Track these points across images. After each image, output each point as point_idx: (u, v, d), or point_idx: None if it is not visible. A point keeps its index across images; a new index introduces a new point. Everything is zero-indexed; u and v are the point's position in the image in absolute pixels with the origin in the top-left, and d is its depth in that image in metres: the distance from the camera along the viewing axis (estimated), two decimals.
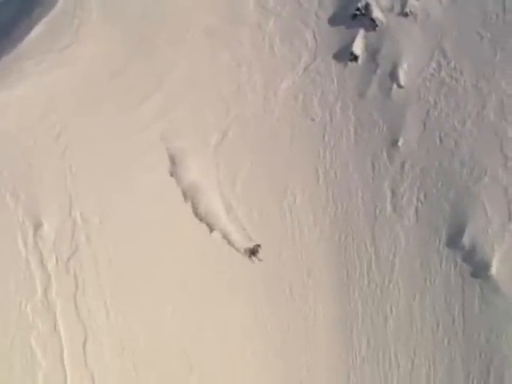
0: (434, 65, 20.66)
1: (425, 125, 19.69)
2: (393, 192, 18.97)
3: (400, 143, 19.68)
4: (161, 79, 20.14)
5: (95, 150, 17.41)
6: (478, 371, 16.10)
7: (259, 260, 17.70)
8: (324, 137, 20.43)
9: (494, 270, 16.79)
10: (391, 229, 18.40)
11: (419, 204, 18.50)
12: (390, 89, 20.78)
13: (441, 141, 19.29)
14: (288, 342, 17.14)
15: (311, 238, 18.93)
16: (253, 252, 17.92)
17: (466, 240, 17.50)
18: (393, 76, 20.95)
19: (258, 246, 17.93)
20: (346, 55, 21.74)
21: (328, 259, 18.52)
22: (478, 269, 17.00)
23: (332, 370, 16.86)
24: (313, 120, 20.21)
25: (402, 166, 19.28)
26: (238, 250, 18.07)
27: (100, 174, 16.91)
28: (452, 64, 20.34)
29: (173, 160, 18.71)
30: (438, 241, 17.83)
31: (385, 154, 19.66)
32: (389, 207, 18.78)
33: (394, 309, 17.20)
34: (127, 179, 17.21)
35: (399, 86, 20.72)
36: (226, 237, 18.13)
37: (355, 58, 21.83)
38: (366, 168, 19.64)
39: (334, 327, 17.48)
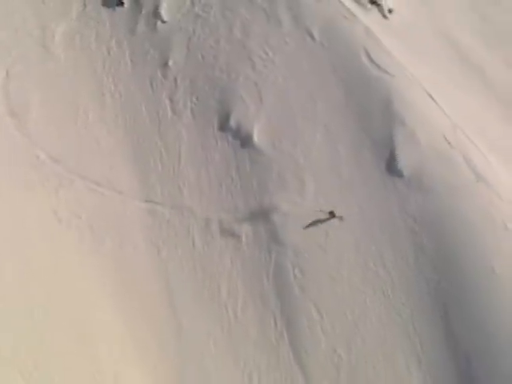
0: (188, 2, 25.02)
1: (188, 48, 23.84)
2: (171, 100, 22.76)
3: (170, 64, 23.59)
4: None
5: None
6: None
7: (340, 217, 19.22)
8: (104, 67, 23.47)
9: (255, 139, 21.41)
10: (174, 127, 22.16)
11: (193, 105, 22.52)
12: (155, 24, 24.59)
13: (203, 58, 23.58)
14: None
15: (105, 149, 21.72)
16: (332, 215, 19.16)
17: (232, 124, 21.89)
18: (156, 14, 24.86)
19: (332, 212, 19.19)
20: (113, 1, 25.06)
21: (128, 161, 21.53)
22: (245, 141, 21.46)
23: None
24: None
25: (175, 80, 23.19)
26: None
27: None
28: (203, 1, 24.88)
29: None
30: (212, 129, 21.97)
31: (159, 74, 23.43)
32: (169, 112, 22.52)
33: (186, 182, 20.87)
34: None
35: (163, 22, 24.66)
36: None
37: (121, 3, 25.35)
38: (146, 86, 23.21)
39: None
